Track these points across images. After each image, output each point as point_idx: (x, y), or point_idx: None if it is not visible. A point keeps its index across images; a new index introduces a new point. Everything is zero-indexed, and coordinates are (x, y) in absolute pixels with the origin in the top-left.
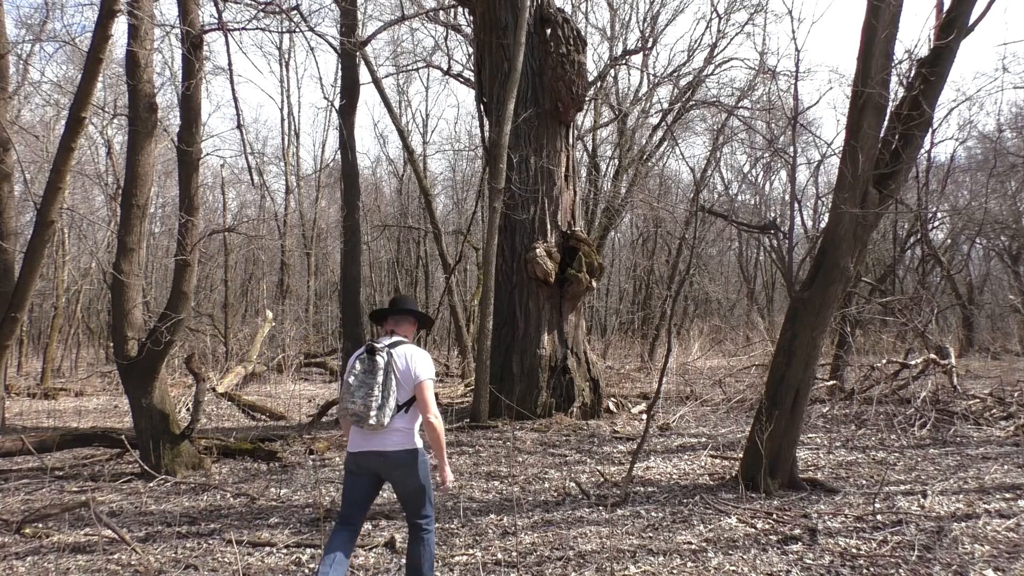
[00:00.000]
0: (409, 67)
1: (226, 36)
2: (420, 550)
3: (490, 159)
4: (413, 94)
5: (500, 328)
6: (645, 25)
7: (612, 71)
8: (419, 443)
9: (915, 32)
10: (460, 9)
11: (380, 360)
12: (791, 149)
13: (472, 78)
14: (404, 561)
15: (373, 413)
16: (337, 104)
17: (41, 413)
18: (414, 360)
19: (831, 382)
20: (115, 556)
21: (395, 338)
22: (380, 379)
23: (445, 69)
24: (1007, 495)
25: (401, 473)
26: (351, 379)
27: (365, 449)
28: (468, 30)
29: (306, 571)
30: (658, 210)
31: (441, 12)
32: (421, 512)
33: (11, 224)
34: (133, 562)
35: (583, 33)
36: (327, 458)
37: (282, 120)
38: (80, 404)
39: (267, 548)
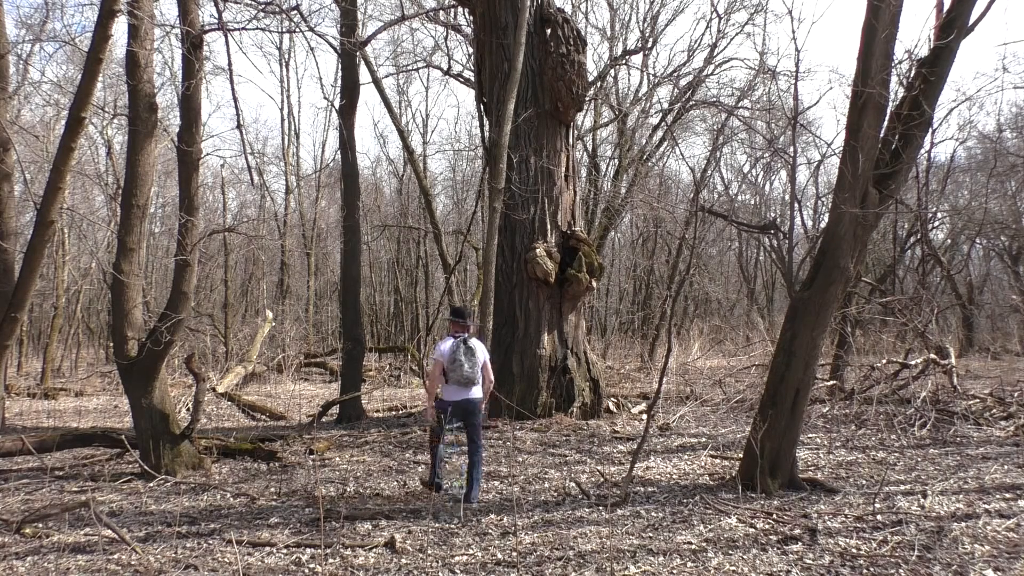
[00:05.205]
0: (409, 67)
1: (226, 36)
2: (479, 456)
3: (490, 159)
4: (413, 94)
5: (500, 328)
6: (645, 25)
7: (612, 71)
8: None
9: (915, 32)
10: (460, 9)
11: (472, 347)
12: (791, 149)
13: (472, 78)
14: (464, 467)
15: (476, 376)
16: (337, 104)
17: (41, 413)
18: (483, 348)
19: (831, 382)
20: (115, 556)
21: (467, 334)
22: (475, 357)
23: (445, 69)
24: (1007, 495)
25: (475, 412)
26: (461, 357)
27: (463, 397)
28: (468, 30)
29: (306, 571)
30: (658, 210)
31: (441, 12)
32: (481, 438)
33: (11, 224)
34: (133, 562)
35: (583, 33)
36: (327, 458)
37: (282, 120)
38: (80, 404)
39: (267, 548)
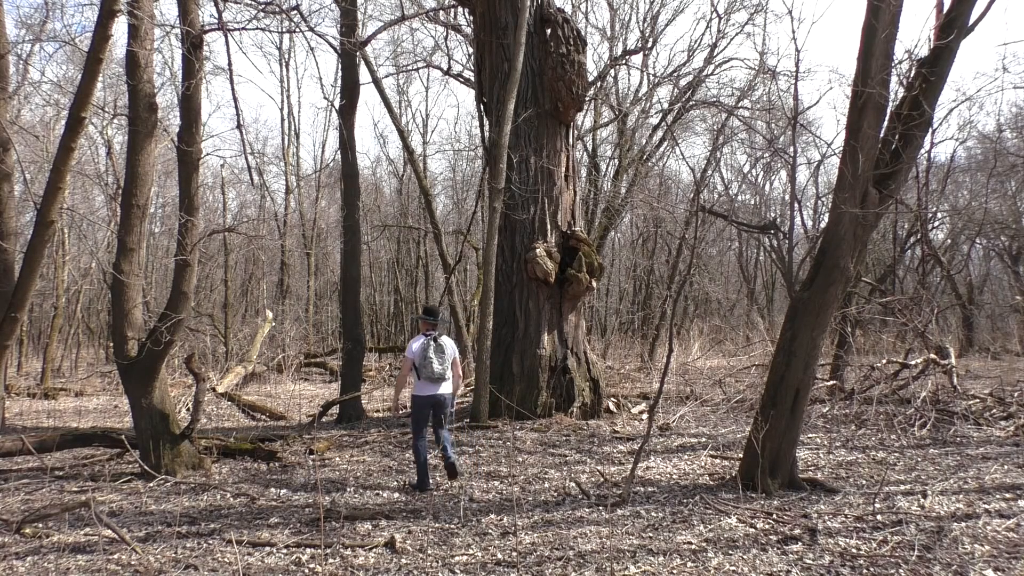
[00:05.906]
0: (409, 67)
1: (226, 36)
2: (448, 436)
3: (490, 159)
4: (413, 94)
5: (500, 328)
6: (645, 25)
7: (612, 71)
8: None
9: (915, 32)
10: (460, 9)
11: (442, 344)
12: (791, 149)
13: (472, 78)
14: (440, 456)
15: (446, 372)
16: (337, 104)
17: (41, 413)
18: (452, 345)
19: (831, 382)
20: (115, 556)
21: (436, 332)
22: (445, 354)
23: (445, 69)
24: (1007, 495)
25: (446, 405)
26: (431, 354)
27: (434, 392)
28: (468, 30)
29: (306, 571)
30: (658, 210)
31: (441, 12)
32: (446, 424)
33: (11, 224)
34: (133, 562)
35: (583, 33)
36: (327, 458)
37: (282, 120)
38: (80, 404)
39: (267, 548)
